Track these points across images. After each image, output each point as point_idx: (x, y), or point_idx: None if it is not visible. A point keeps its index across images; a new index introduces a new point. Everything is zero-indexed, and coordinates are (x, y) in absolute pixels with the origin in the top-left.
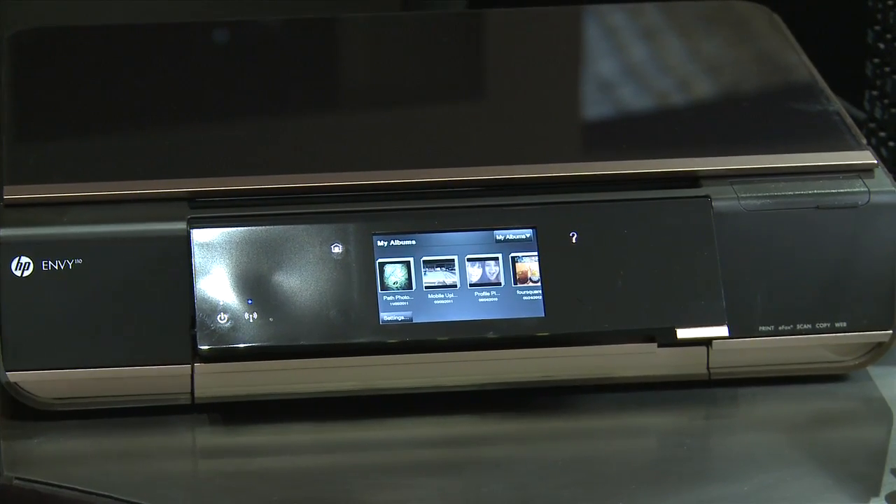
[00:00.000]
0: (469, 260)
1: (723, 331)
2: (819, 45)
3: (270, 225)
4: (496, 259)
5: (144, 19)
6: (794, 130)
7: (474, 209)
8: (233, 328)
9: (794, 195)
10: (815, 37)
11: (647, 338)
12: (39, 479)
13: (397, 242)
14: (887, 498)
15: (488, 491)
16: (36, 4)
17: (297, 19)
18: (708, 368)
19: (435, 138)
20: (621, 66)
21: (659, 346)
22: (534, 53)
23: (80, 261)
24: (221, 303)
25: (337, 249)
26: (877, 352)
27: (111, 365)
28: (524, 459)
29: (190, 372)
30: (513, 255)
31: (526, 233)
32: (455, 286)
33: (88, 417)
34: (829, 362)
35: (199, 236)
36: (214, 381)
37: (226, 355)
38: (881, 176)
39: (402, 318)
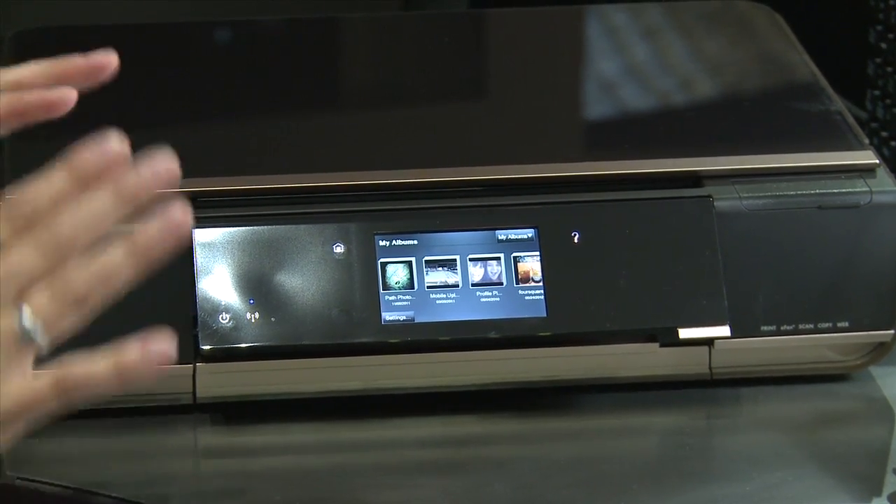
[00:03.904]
0: (471, 260)
1: (725, 331)
2: (821, 44)
3: (272, 225)
4: (498, 259)
5: (146, 19)
6: (795, 130)
7: (476, 209)
8: (234, 328)
9: (796, 195)
10: (816, 36)
11: (649, 337)
12: (41, 479)
13: (399, 242)
14: (889, 498)
15: (490, 491)
16: (38, 4)
17: (298, 19)
18: (710, 368)
19: (437, 138)
20: (623, 65)
21: (661, 346)
22: (536, 53)
23: None
24: (223, 302)
25: (339, 249)
26: (879, 351)
27: None
28: (526, 459)
29: (192, 372)
30: (515, 254)
31: (528, 232)
32: (457, 286)
33: (90, 417)
34: (830, 362)
35: (201, 236)
36: (216, 380)
37: (227, 355)
38: (883, 176)
39: (404, 317)
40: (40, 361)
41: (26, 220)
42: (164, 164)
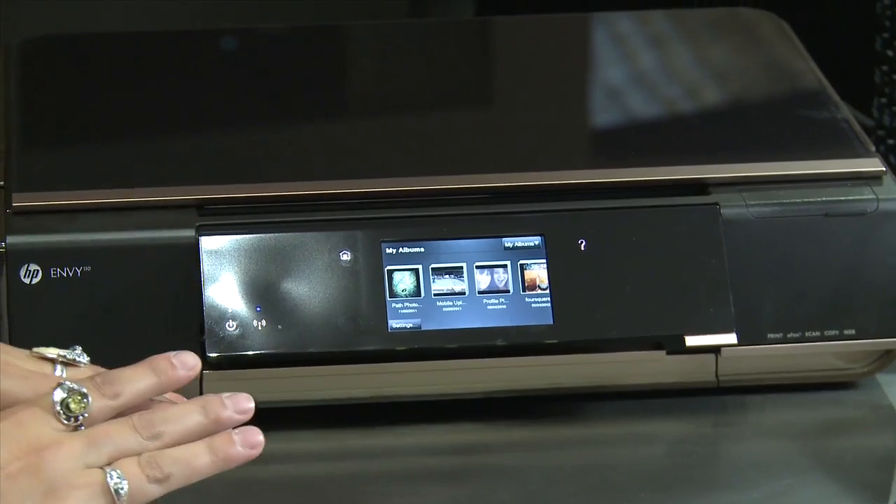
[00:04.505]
0: (478, 267)
1: (731, 338)
2: (827, 52)
3: (279, 232)
4: (505, 266)
5: (152, 27)
6: (802, 138)
7: (483, 216)
8: (241, 335)
9: (803, 202)
10: (823, 44)
11: (656, 345)
12: None
13: (406, 250)
14: None
15: (496, 499)
16: (44, 12)
17: (304, 27)
18: (716, 376)
19: (443, 146)
20: (629, 73)
21: (667, 354)
22: (542, 61)
23: (88, 268)
24: (230, 310)
25: (345, 257)
26: (885, 359)
27: None
28: (532, 467)
29: (198, 379)
30: (521, 262)
31: (534, 240)
32: (464, 293)
33: None
34: (837, 369)
35: (208, 243)
36: (223, 388)
37: (234, 363)
38: (890, 183)
39: (411, 325)
40: None
41: (113, 392)
42: (245, 402)
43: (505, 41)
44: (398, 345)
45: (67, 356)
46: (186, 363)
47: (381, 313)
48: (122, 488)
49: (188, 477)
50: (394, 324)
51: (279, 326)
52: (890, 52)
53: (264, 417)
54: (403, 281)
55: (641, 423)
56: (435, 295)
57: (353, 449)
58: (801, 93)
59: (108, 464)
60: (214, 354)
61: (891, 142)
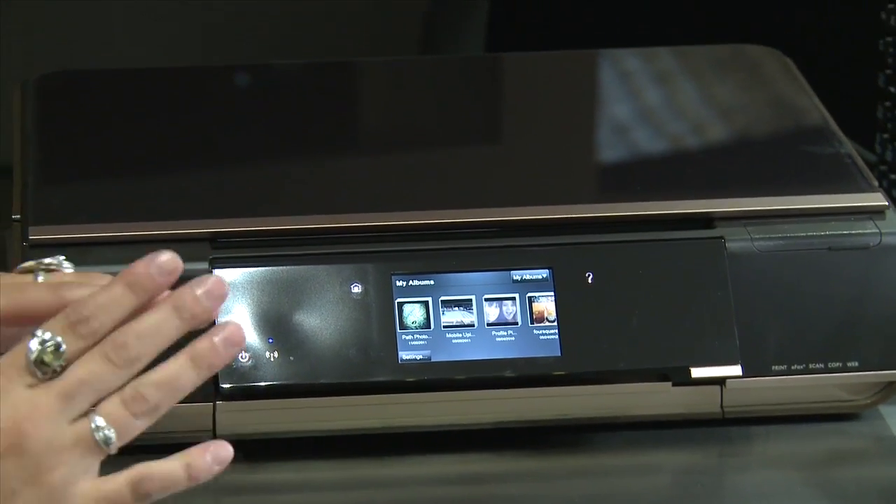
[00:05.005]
0: (486, 300)
1: (736, 370)
2: (831, 88)
3: (291, 265)
4: (513, 299)
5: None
6: (806, 173)
7: (492, 250)
8: (254, 367)
9: (807, 236)
10: (827, 80)
11: (662, 377)
12: None
13: (416, 282)
14: None
15: None
16: (59, 48)
17: (316, 63)
18: (721, 407)
19: (453, 180)
20: (636, 109)
21: (673, 385)
22: (550, 97)
23: None
24: None
25: (356, 289)
26: (888, 391)
27: None
28: (540, 497)
29: (212, 410)
30: (529, 295)
31: (542, 273)
32: (473, 326)
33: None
34: (841, 401)
35: (221, 276)
36: (235, 419)
37: (247, 393)
38: (892, 218)
39: (421, 356)
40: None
41: (90, 331)
42: (216, 285)
43: (514, 77)
44: (408, 376)
45: (49, 263)
46: (164, 268)
47: (392, 345)
48: (110, 438)
49: (175, 398)
50: (404, 355)
51: (291, 358)
52: (892, 89)
53: (276, 448)
54: (413, 313)
55: (647, 453)
56: (444, 327)
57: (363, 479)
58: (806, 128)
59: (90, 410)
60: (227, 385)
61: (893, 177)
